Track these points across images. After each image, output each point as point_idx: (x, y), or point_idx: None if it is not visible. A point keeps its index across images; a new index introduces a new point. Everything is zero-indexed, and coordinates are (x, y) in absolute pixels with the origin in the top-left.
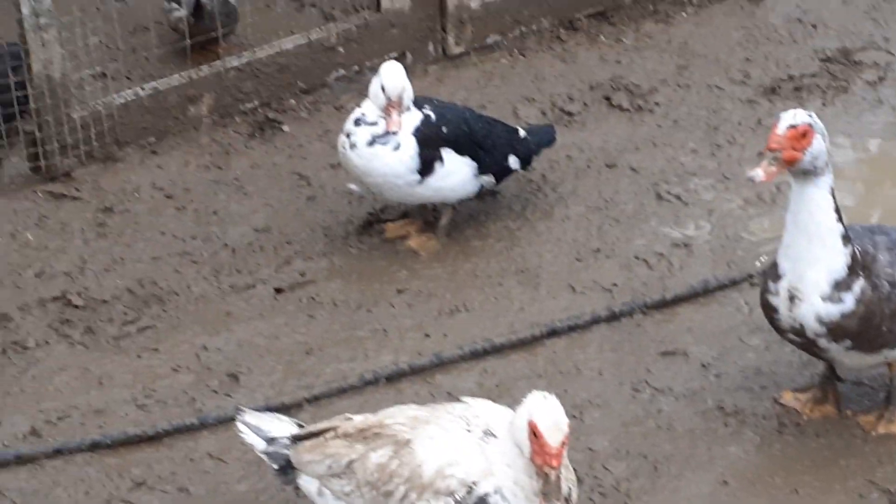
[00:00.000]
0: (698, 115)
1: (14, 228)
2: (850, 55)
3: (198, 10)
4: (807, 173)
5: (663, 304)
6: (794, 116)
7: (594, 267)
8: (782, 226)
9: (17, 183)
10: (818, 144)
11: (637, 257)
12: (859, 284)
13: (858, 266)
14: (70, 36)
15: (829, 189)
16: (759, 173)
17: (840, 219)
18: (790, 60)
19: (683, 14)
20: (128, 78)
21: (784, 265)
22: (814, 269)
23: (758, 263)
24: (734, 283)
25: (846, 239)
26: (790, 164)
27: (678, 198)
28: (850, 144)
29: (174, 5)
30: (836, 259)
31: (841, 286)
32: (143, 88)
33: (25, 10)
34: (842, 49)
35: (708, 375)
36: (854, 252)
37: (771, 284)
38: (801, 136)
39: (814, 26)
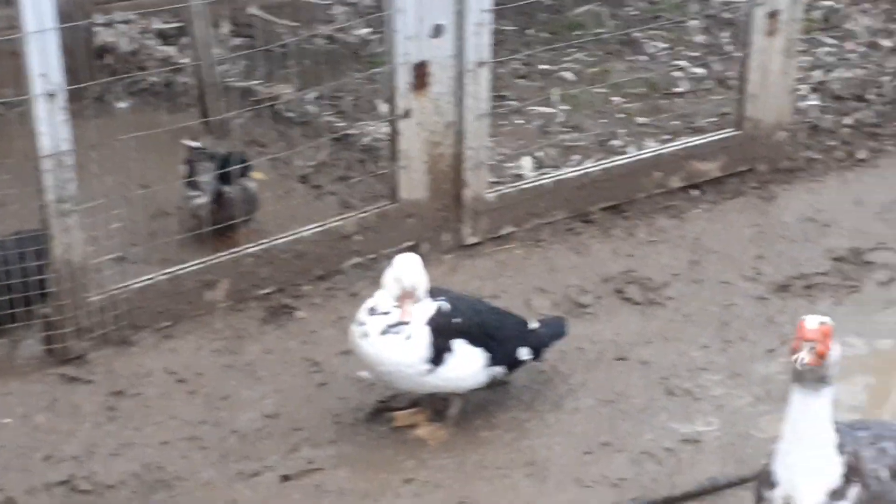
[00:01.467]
0: (710, 310)
1: (25, 411)
2: (861, 255)
3: (218, 198)
4: (819, 380)
5: (671, 501)
6: (819, 318)
7: (603, 461)
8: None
9: (31, 365)
10: (836, 351)
11: (646, 452)
12: (853, 491)
13: (852, 472)
14: (92, 221)
15: (831, 400)
16: (805, 356)
17: (835, 429)
18: (802, 259)
19: (697, 210)
20: (146, 262)
21: (780, 474)
22: (810, 479)
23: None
24: (743, 481)
25: (841, 448)
26: (821, 359)
27: (688, 393)
28: (861, 344)
29: (195, 192)
30: (833, 469)
31: (836, 495)
32: (160, 273)
33: (50, 197)
34: (853, 249)
35: None
36: (848, 459)
37: (765, 492)
38: (828, 335)
39: (826, 226)
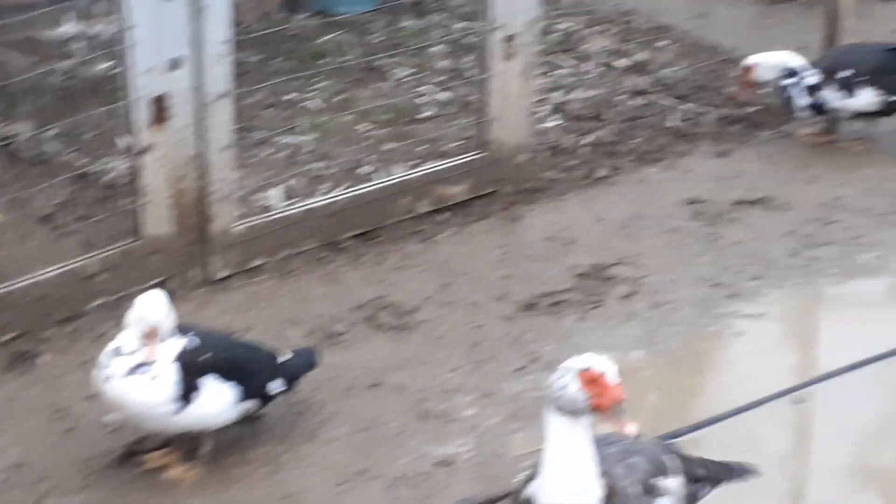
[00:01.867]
0: (460, 332)
1: None
2: (602, 271)
3: None
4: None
5: None
6: (604, 361)
7: (359, 489)
8: (542, 441)
9: None
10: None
11: (401, 477)
12: None
13: (610, 493)
14: None
15: (590, 423)
16: (633, 428)
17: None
18: (546, 277)
19: (445, 233)
20: None
21: (541, 499)
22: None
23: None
24: (495, 500)
25: (600, 470)
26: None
27: (442, 415)
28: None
29: None
30: (594, 492)
31: None
32: None
33: None
34: (595, 265)
35: None
36: (606, 480)
37: None
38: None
39: (569, 244)
